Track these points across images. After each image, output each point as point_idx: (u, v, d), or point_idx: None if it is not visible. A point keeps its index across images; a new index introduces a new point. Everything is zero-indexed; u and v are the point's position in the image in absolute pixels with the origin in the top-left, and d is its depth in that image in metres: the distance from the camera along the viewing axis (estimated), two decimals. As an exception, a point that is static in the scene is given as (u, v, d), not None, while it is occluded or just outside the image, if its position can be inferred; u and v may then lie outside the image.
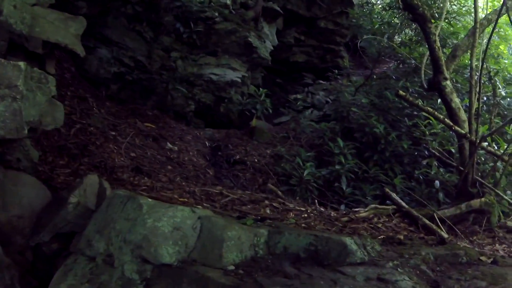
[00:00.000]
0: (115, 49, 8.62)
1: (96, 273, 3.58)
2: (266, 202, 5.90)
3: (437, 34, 6.32)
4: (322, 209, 6.25)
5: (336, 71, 12.86)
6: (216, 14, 9.97)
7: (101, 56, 8.47)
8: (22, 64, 3.42)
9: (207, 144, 8.80)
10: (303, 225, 4.94)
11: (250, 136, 9.58)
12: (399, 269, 3.57)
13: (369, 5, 15.71)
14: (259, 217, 4.57)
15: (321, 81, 13.24)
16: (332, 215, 5.79)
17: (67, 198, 4.57)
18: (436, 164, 7.86)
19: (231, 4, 10.54)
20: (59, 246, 4.65)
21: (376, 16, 13.46)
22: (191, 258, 3.45)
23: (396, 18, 12.76)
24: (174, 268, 3.36)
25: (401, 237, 4.87)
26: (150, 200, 3.80)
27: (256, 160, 8.72)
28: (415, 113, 8.85)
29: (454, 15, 11.96)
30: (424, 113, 7.68)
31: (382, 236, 4.87)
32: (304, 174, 7.88)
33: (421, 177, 7.97)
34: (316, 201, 7.44)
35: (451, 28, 11.19)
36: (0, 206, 4.49)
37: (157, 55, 9.20)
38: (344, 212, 6.27)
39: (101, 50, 8.51)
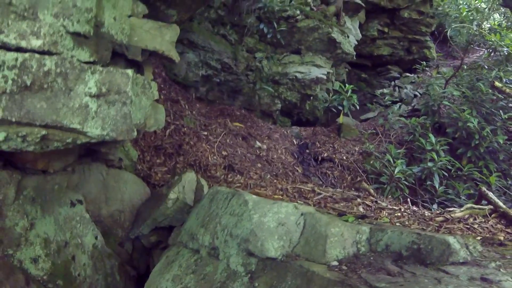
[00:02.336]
0: (202, 52, 8.84)
1: (200, 264, 3.73)
2: (359, 200, 5.76)
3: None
4: (415, 208, 6.01)
5: (424, 62, 12.28)
6: (298, 12, 9.92)
7: (189, 60, 8.73)
8: (130, 71, 3.65)
9: (294, 142, 8.80)
10: (397, 224, 4.78)
11: (337, 133, 9.45)
12: (501, 270, 3.39)
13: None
14: (360, 215, 4.50)
15: (408, 74, 12.75)
16: (426, 214, 5.52)
17: (166, 194, 4.81)
18: (534, 160, 7.29)
19: (311, 1, 10.45)
20: (157, 239, 4.94)
21: (462, 2, 12.72)
22: (294, 253, 3.49)
23: (483, 3, 11.95)
24: (278, 262, 3.41)
25: (501, 238, 4.57)
26: (254, 196, 3.90)
27: (344, 157, 8.58)
28: (511, 105, 8.24)
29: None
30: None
31: (479, 237, 4.59)
32: (395, 172, 7.59)
33: (517, 175, 7.42)
34: (408, 200, 7.17)
35: None
36: (103, 201, 4.83)
37: (242, 56, 9.34)
38: (438, 211, 5.96)
39: (189, 54, 8.76)
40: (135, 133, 3.72)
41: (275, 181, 6.21)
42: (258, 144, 7.84)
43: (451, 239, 3.63)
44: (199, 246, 3.92)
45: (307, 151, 8.66)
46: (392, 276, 3.22)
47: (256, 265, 3.44)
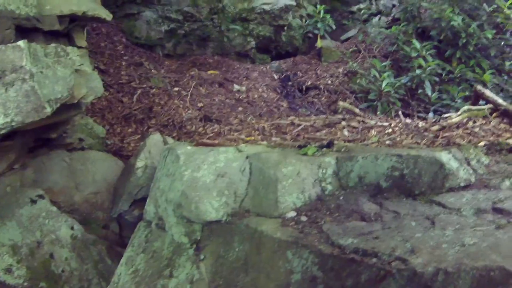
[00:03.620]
0: (159, 7, 8.50)
1: (150, 240, 3.35)
2: (343, 123, 5.52)
3: None
4: (408, 120, 5.72)
5: (399, -33, 11.66)
6: None
7: (147, 19, 8.45)
8: (21, 42, 3.24)
9: (275, 76, 8.51)
10: (387, 142, 4.44)
11: (318, 59, 9.14)
12: None
13: None
14: (326, 143, 3.65)
15: (384, -17, 12.14)
16: (420, 125, 5.12)
17: (134, 163, 4.59)
18: (528, 52, 6.95)
19: None
20: (140, 212, 4.67)
21: None
22: (243, 209, 2.92)
23: None
24: (223, 224, 2.89)
25: (510, 141, 4.12)
26: (189, 147, 3.38)
27: (329, 82, 8.33)
28: (494, -4, 7.83)
29: None
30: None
31: (483, 143, 4.16)
32: (383, 86, 7.33)
33: (512, 68, 7.11)
34: (400, 112, 6.93)
35: None
36: (73, 187, 4.64)
37: (202, 1, 8.90)
38: (434, 120, 5.65)
39: (146, 13, 8.46)
40: (48, 110, 3.34)
41: (254, 122, 5.98)
42: (237, 87, 7.58)
43: (444, 155, 2.86)
44: (150, 217, 3.53)
45: (290, 83, 8.39)
46: (367, 221, 2.57)
47: (200, 232, 2.95)
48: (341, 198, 2.89)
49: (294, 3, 9.61)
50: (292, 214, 2.76)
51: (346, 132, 5.14)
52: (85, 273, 4.22)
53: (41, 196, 4.21)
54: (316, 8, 9.35)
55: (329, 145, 3.58)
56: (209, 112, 6.32)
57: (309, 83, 8.28)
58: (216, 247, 2.80)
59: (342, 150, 3.44)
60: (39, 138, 4.14)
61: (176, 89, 6.82)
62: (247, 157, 3.13)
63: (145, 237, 3.41)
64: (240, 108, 6.87)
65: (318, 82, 8.25)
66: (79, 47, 4.13)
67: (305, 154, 3.25)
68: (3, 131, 3.15)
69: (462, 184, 2.78)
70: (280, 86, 8.24)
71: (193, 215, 2.95)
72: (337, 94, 8.08)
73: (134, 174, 4.48)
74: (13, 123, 3.18)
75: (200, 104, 6.56)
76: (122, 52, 7.41)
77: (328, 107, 7.79)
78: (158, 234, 3.28)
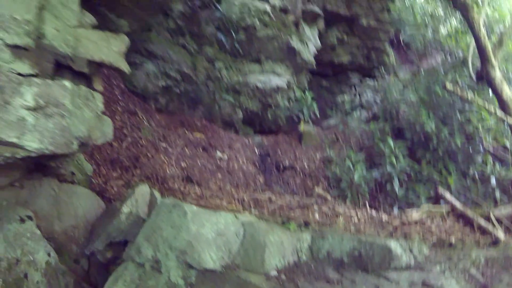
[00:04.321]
0: (161, 63, 8.78)
1: (144, 278, 3.66)
2: (315, 207, 5.81)
3: (481, 22, 6.01)
4: (373, 212, 6.08)
5: (383, 68, 12.55)
6: (257, 21, 10.01)
7: (148, 71, 8.67)
8: (68, 83, 3.59)
9: (256, 151, 8.81)
10: (352, 229, 4.81)
11: (298, 141, 9.54)
12: (446, 273, 3.50)
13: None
14: (304, 222, 4.53)
15: (368, 80, 13.00)
16: (383, 218, 5.59)
17: (119, 208, 4.71)
18: (492, 160, 7.47)
19: (270, 10, 10.54)
20: (113, 254, 4.79)
21: (419, 9, 13.07)
22: (234, 264, 3.48)
23: (439, 8, 12.29)
24: (217, 273, 3.39)
25: (452, 239, 4.66)
26: (194, 207, 3.85)
27: (305, 165, 8.65)
28: (467, 107, 8.48)
29: (497, -1, 11.42)
30: (476, 107, 7.34)
31: (433, 238, 4.66)
32: (355, 178, 7.72)
33: (476, 174, 7.60)
34: (367, 204, 7.26)
35: (496, 14, 10.61)
36: (55, 217, 4.69)
37: (202, 66, 9.33)
38: (396, 215, 6.06)
39: (148, 65, 8.69)
40: (76, 146, 3.63)
41: (234, 191, 6.18)
42: (219, 154, 7.81)
43: (392, 244, 3.70)
44: (144, 259, 3.85)
45: (269, 159, 8.69)
46: (331, 284, 3.27)
47: (195, 277, 3.40)
48: (313, 266, 3.61)
49: (285, 85, 10.19)
50: (274, 273, 3.42)
51: (317, 215, 5.43)
52: None
53: (29, 217, 4.24)
54: (305, 93, 9.88)
55: (306, 224, 4.42)
56: (191, 173, 6.48)
57: (287, 163, 8.58)
58: None
59: (317, 230, 4.22)
60: (40, 163, 4.24)
61: (163, 144, 7.00)
62: (242, 224, 3.70)
63: (138, 275, 3.70)
64: (220, 175, 7.06)
65: (295, 164, 8.55)
66: (95, 90, 4.37)
67: (288, 228, 3.98)
68: (33, 154, 3.33)
69: (403, 266, 3.60)
70: (259, 160, 8.52)
71: (195, 262, 3.43)
72: (311, 177, 8.36)
73: (118, 218, 4.57)
74: (45, 151, 3.40)
75: (183, 164, 6.73)
76: (119, 97, 7.59)
77: (302, 188, 8.04)
78: (153, 274, 3.64)
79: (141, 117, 7.40)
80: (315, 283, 3.29)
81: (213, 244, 3.50)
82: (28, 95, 3.28)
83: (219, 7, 9.58)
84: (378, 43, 13.95)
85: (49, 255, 4.39)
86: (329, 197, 6.55)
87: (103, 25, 5.43)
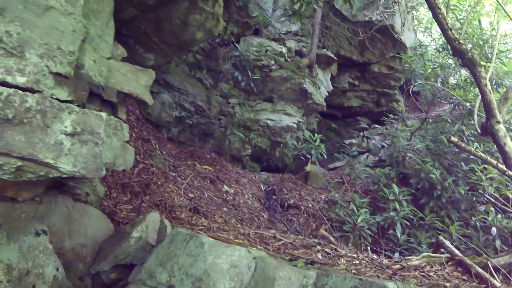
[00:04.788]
0: (177, 94, 9.08)
1: None
2: (318, 247, 5.94)
3: (488, 77, 6.22)
4: (374, 256, 6.19)
5: (391, 115, 12.82)
6: (272, 62, 10.35)
7: (163, 101, 8.96)
8: (104, 114, 3.86)
9: (262, 187, 8.98)
10: (353, 271, 4.96)
11: (304, 181, 9.69)
12: None
13: (422, 47, 15.72)
14: (309, 261, 4.72)
15: (376, 126, 13.26)
16: (383, 262, 5.72)
17: (129, 232, 4.87)
18: (493, 210, 7.58)
19: (286, 53, 10.94)
20: (117, 276, 4.93)
21: (429, 59, 13.42)
22: None
23: (450, 59, 12.65)
24: None
25: (447, 284, 4.80)
26: (211, 239, 4.06)
27: (310, 205, 8.78)
28: (472, 157, 8.65)
29: (507, 53, 11.77)
30: (479, 159, 7.52)
31: (430, 283, 4.81)
32: (358, 221, 7.83)
33: (478, 224, 7.64)
34: (368, 248, 7.37)
35: (505, 68, 10.93)
36: (66, 234, 4.85)
37: (215, 101, 9.63)
38: (396, 260, 6.19)
39: (164, 95, 9.00)
40: (104, 172, 3.88)
41: (239, 225, 6.33)
42: (226, 188, 7.99)
43: (390, 285, 3.92)
44: (156, 283, 4.01)
45: (274, 197, 8.84)
46: None
47: None
48: None
49: (295, 125, 10.45)
50: None
51: (319, 255, 5.56)
52: None
53: (44, 232, 4.42)
54: (313, 135, 10.11)
55: (313, 263, 4.65)
56: (198, 205, 6.64)
57: (292, 201, 8.72)
58: None
59: (321, 268, 4.46)
60: (58, 181, 4.47)
61: (173, 174, 7.19)
62: (254, 258, 3.93)
63: None
64: (225, 209, 7.21)
65: (300, 203, 8.69)
66: (120, 118, 4.64)
67: (295, 265, 4.19)
68: (65, 176, 3.58)
69: None
70: (264, 197, 8.67)
71: None
72: (315, 218, 8.48)
73: (127, 241, 4.72)
74: (77, 174, 3.65)
75: (191, 195, 6.90)
76: (134, 123, 7.83)
77: (305, 228, 8.16)
78: None
79: (153, 145, 7.63)
80: None
81: (227, 274, 3.71)
82: (67, 121, 3.54)
83: (237, 46, 9.96)
84: (388, 89, 14.32)
85: (57, 270, 4.55)
86: (332, 239, 6.67)
87: (131, 56, 5.76)
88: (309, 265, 4.49)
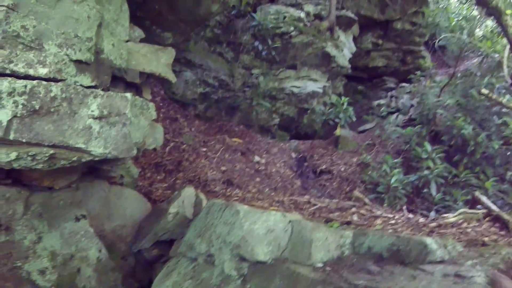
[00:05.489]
0: (199, 71, 9.07)
1: (198, 271, 3.99)
2: (353, 209, 5.94)
3: (515, 25, 6.00)
4: (410, 215, 6.16)
5: (418, 72, 12.49)
6: (291, 28, 10.17)
7: (186, 79, 8.97)
8: (129, 95, 3.93)
9: (292, 155, 8.98)
10: (389, 230, 4.96)
11: (335, 146, 9.63)
12: (477, 267, 3.66)
13: (444, 0, 15.16)
14: (345, 222, 4.83)
15: (403, 84, 12.96)
16: (419, 221, 5.68)
17: (166, 209, 5.00)
18: (529, 163, 7.42)
19: (305, 17, 10.72)
20: (158, 253, 5.12)
21: (453, 12, 12.92)
22: (282, 257, 3.76)
23: (474, 10, 12.15)
24: (268, 265, 3.68)
25: (486, 239, 4.76)
26: (245, 206, 4.14)
27: (342, 169, 8.75)
28: (504, 110, 8.40)
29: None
30: None
31: (467, 238, 4.78)
32: (392, 181, 7.78)
33: (513, 178, 7.54)
34: (404, 207, 7.32)
35: None
36: (105, 216, 5.03)
37: (238, 73, 9.59)
38: (433, 218, 6.14)
39: (186, 73, 9.00)
40: (135, 152, 3.97)
41: (273, 194, 6.39)
42: (257, 158, 8.03)
43: (428, 240, 3.92)
44: (196, 254, 4.16)
45: (306, 164, 8.84)
46: (372, 275, 3.51)
47: (248, 269, 3.70)
48: (354, 260, 3.90)
49: (321, 90, 10.32)
50: (320, 265, 3.72)
51: (355, 217, 5.57)
52: None
53: (84, 216, 4.61)
54: (340, 98, 9.99)
55: (348, 223, 4.81)
56: (231, 177, 6.72)
57: (323, 167, 8.71)
58: (261, 281, 3.59)
59: (357, 228, 4.56)
60: (93, 166, 4.61)
61: (203, 149, 7.28)
62: (289, 221, 3.99)
63: (192, 268, 4.08)
64: (258, 179, 7.27)
65: (332, 168, 8.67)
66: (145, 99, 4.70)
67: (331, 226, 4.34)
68: (97, 158, 3.71)
69: (438, 260, 3.81)
70: (296, 165, 8.69)
71: (248, 255, 3.74)
72: (348, 181, 8.46)
73: (165, 218, 4.87)
74: (109, 155, 3.77)
75: (223, 168, 6.98)
76: (160, 104, 7.92)
77: (339, 192, 8.16)
78: (206, 267, 4.00)
79: (181, 123, 7.71)
80: (358, 274, 3.55)
81: (264, 239, 3.80)
82: (93, 105, 3.63)
83: (254, 16, 9.83)
84: (413, 46, 13.90)
85: (100, 252, 4.74)
86: (366, 200, 6.66)
87: (149, 37, 5.78)
88: (345, 225, 4.55)
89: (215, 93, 9.12)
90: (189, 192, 5.12)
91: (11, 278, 3.94)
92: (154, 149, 6.35)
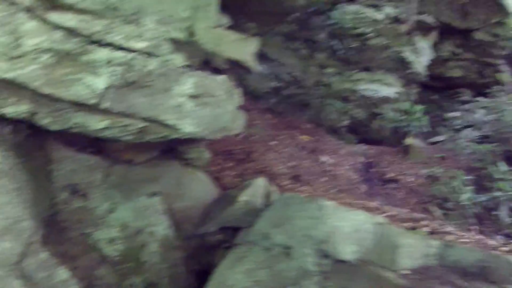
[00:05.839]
0: (273, 65, 9.06)
1: (273, 261, 3.90)
2: (424, 222, 5.74)
3: None
4: (481, 236, 5.89)
5: (496, 87, 11.83)
6: (369, 29, 9.91)
7: (260, 72, 8.90)
8: (222, 77, 3.94)
9: (360, 159, 8.76)
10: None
11: (404, 155, 9.30)
12: None
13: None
14: (429, 231, 4.71)
15: (480, 98, 12.35)
16: (489, 243, 5.42)
17: (236, 196, 5.05)
18: None
19: (383, 19, 10.40)
20: (222, 238, 5.12)
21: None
22: (366, 259, 3.65)
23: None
24: (351, 265, 3.58)
25: None
26: (330, 202, 4.04)
27: (409, 180, 8.44)
28: None
29: None
30: None
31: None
32: (462, 199, 7.41)
33: None
34: (475, 228, 7.00)
35: None
36: (175, 196, 5.12)
37: (311, 71, 9.47)
38: (504, 242, 5.83)
39: (261, 66, 8.93)
40: (222, 133, 3.96)
41: (341, 195, 6.24)
42: (324, 158, 7.90)
43: None
44: (271, 244, 4.08)
45: (372, 170, 8.58)
46: None
47: (329, 266, 3.61)
48: (439, 271, 3.75)
49: (394, 96, 10.02)
50: (405, 271, 3.60)
51: (426, 230, 5.35)
52: (160, 271, 4.62)
53: (158, 193, 4.72)
54: (414, 106, 9.63)
55: (432, 233, 4.68)
56: (298, 173, 6.65)
57: (391, 175, 8.43)
58: (342, 281, 3.49)
59: (442, 239, 4.35)
60: (171, 146, 4.69)
61: (273, 142, 7.25)
62: (375, 223, 3.93)
63: (267, 258, 4.00)
64: (324, 179, 7.15)
65: (399, 177, 8.37)
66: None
67: (416, 234, 4.20)
68: (185, 137, 3.75)
69: None
70: (362, 169, 8.45)
71: (332, 252, 3.67)
72: (415, 193, 8.15)
73: (234, 205, 4.91)
74: (198, 135, 3.82)
75: (291, 164, 6.92)
76: (234, 95, 7.94)
77: (404, 203, 7.88)
78: (282, 258, 3.90)
79: (253, 115, 7.71)
80: (444, 287, 3.45)
81: (350, 238, 3.72)
82: (188, 84, 3.66)
83: (332, 14, 9.66)
84: (492, 59, 13.17)
85: (167, 229, 4.83)
86: (437, 214, 6.39)
87: (233, 26, 5.79)
88: (430, 235, 4.39)
89: (287, 88, 9.08)
90: (260, 183, 5.13)
91: (79, 244, 4.06)
92: (226, 137, 6.37)
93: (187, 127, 3.61)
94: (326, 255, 3.64)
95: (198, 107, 3.67)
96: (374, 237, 3.73)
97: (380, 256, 3.62)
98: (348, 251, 3.60)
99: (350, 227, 3.74)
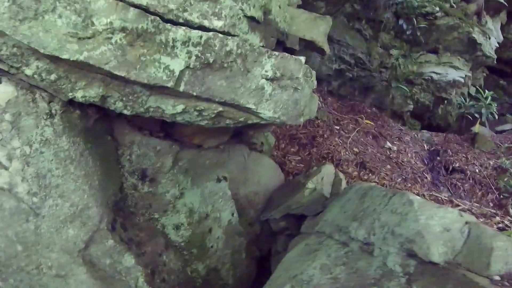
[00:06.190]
0: (336, 46, 8.73)
1: (351, 258, 3.68)
2: (497, 218, 5.41)
3: None
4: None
5: None
6: (437, 9, 9.40)
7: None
8: (302, 58, 3.73)
9: (425, 147, 8.38)
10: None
11: (471, 143, 8.82)
12: None
13: None
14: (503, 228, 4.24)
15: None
16: None
17: (303, 183, 4.84)
18: None
19: (452, -2, 9.86)
20: (285, 225, 5.02)
21: None
22: (455, 261, 3.35)
23: None
24: (439, 267, 3.29)
25: None
26: (418, 197, 3.78)
27: (476, 170, 7.98)
28: None
29: None
30: None
31: None
32: (532, 193, 6.96)
33: None
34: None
35: None
36: (241, 181, 5.00)
37: (376, 52, 9.10)
38: None
39: (326, 47, 8.68)
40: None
41: (409, 185, 5.96)
42: (388, 144, 7.59)
43: None
44: (348, 239, 3.89)
45: (438, 158, 8.18)
46: None
47: (415, 267, 3.34)
48: None
49: (462, 80, 9.50)
50: (497, 277, 3.22)
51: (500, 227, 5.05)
52: (223, 257, 4.57)
53: (225, 178, 4.64)
54: (480, 91, 9.11)
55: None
56: (364, 160, 6.40)
57: (457, 165, 7.99)
58: (428, 283, 3.18)
59: None
60: (239, 131, 4.55)
61: (337, 127, 7.02)
62: (466, 223, 3.55)
63: (345, 253, 3.78)
64: (389, 166, 6.86)
65: (466, 167, 7.93)
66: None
67: (509, 236, 3.62)
68: (263, 122, 3.57)
69: None
70: (427, 157, 8.08)
71: (421, 252, 3.36)
72: (481, 185, 7.70)
73: (301, 192, 4.72)
74: (278, 120, 3.62)
75: (356, 149, 6.68)
76: (296, 77, 7.73)
77: (470, 195, 7.48)
78: (362, 256, 3.66)
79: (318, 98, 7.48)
80: None
81: (440, 238, 3.41)
82: (268, 65, 3.44)
83: (399, -8, 9.20)
84: None
85: (232, 215, 4.75)
86: (511, 210, 6.01)
87: (302, 5, 5.55)
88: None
89: (350, 71, 8.75)
90: (329, 170, 4.91)
91: (146, 229, 4.02)
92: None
93: (267, 112, 3.41)
94: (412, 255, 3.37)
95: (278, 90, 3.46)
96: (465, 238, 3.42)
97: (470, 259, 3.30)
98: (436, 252, 3.28)
99: (440, 226, 3.42)
